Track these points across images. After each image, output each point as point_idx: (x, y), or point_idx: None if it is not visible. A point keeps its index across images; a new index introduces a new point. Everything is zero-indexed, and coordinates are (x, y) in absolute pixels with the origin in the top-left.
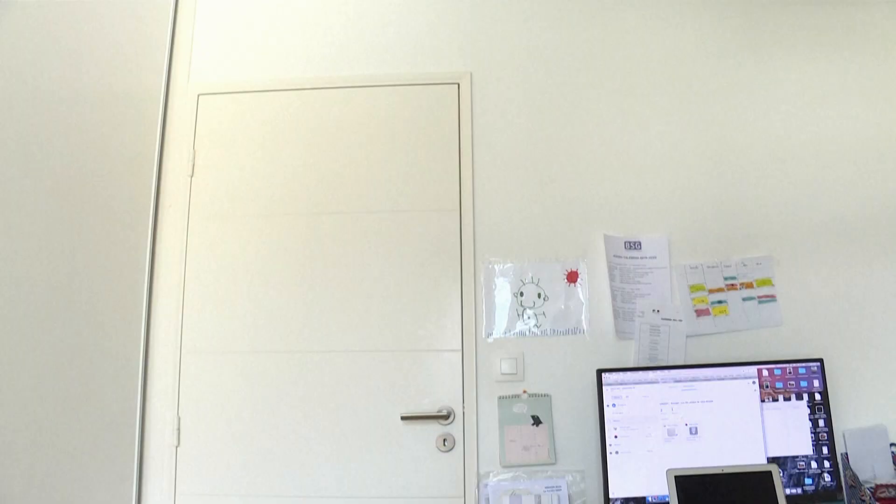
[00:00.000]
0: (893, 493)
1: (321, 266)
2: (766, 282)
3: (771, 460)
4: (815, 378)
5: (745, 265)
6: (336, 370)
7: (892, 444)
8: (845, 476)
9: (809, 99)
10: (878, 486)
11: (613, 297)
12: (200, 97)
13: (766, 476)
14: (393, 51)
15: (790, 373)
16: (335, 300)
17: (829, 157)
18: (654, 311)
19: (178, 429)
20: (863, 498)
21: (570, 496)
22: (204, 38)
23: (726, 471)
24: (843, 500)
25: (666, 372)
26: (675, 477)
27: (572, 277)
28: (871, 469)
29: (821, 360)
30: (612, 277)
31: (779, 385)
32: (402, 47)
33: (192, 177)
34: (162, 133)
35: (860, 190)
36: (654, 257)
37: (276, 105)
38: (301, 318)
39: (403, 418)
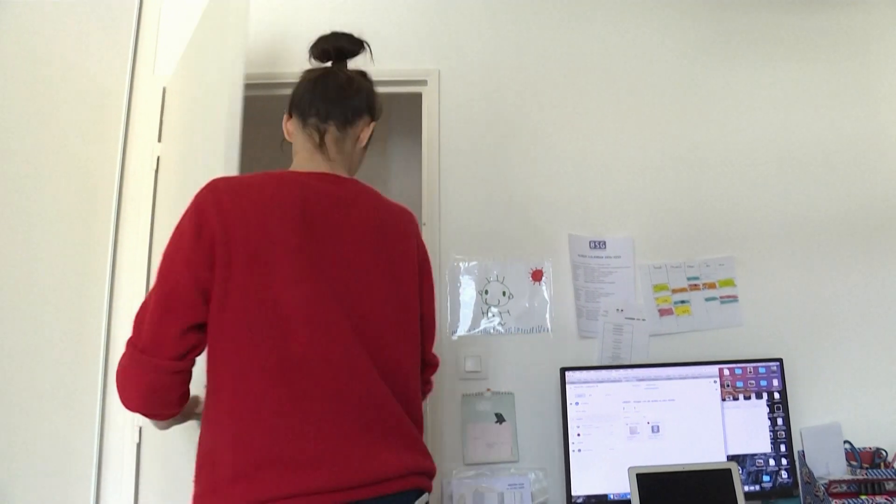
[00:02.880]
0: (845, 487)
1: None
2: (729, 282)
3: (731, 458)
4: (775, 377)
5: (707, 266)
6: None
7: (845, 442)
8: (801, 473)
9: (776, 104)
10: (831, 482)
11: (577, 296)
12: (167, 90)
13: (725, 473)
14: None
15: (750, 372)
16: None
17: (792, 161)
18: (617, 310)
19: (140, 425)
20: (817, 494)
21: (532, 494)
22: (170, 31)
23: (687, 468)
24: (798, 496)
25: (629, 371)
26: (637, 475)
27: (537, 276)
28: (825, 465)
29: (780, 360)
30: (575, 276)
31: (739, 384)
32: (371, 44)
33: (156, 170)
34: (126, 125)
35: (822, 194)
36: (619, 257)
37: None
38: None
39: None
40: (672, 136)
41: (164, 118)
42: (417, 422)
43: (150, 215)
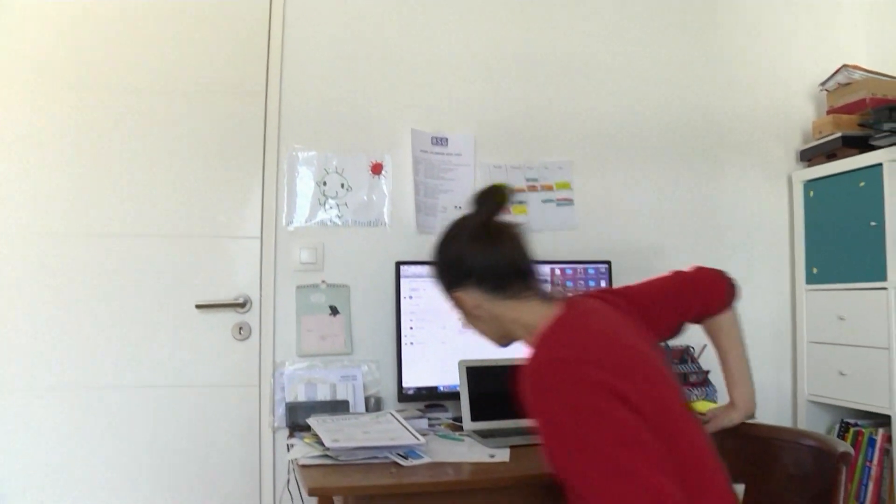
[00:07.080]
0: None
1: (111, 142)
2: (565, 185)
3: None
4: (603, 279)
5: (546, 168)
6: (125, 255)
7: None
8: None
9: (620, 18)
10: None
11: (417, 191)
12: None
13: None
14: None
15: (580, 273)
16: (125, 179)
17: (633, 74)
18: (455, 207)
19: None
20: None
21: (365, 385)
22: None
23: (514, 362)
24: None
25: None
26: (467, 368)
27: (377, 169)
28: None
29: (608, 263)
30: (416, 171)
31: (569, 284)
32: None
33: None
34: None
35: (656, 106)
36: (460, 154)
37: None
38: (87, 198)
39: (198, 306)
40: (518, 39)
41: None
42: None
43: None
